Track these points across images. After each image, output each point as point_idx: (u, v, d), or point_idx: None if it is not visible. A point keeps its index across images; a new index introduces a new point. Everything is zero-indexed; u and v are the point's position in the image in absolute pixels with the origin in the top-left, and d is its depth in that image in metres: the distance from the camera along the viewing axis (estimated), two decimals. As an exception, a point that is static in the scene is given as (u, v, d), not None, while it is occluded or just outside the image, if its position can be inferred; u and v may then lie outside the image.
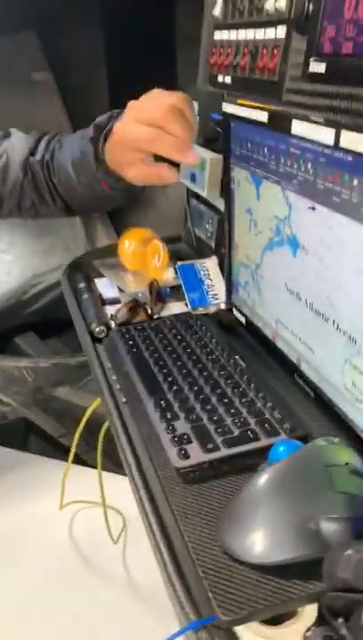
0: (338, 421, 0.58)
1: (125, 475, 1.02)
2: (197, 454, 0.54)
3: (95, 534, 0.97)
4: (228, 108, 0.70)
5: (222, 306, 0.87)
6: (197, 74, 1.75)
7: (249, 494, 0.47)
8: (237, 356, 0.70)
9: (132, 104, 0.66)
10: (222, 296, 0.87)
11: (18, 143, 0.81)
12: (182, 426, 0.58)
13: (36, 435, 1.47)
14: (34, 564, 0.95)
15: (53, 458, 1.36)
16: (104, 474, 1.08)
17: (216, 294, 0.89)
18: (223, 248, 0.92)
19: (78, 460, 1.33)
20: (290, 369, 0.68)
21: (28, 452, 1.36)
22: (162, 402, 0.62)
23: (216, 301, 0.88)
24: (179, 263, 0.94)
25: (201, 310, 0.87)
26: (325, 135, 0.52)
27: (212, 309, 0.87)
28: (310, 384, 0.63)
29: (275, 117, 0.61)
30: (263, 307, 0.73)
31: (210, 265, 0.94)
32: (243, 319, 0.79)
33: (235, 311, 0.82)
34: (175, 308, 0.90)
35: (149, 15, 1.67)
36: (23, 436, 1.46)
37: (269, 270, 0.69)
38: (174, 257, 0.99)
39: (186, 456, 0.54)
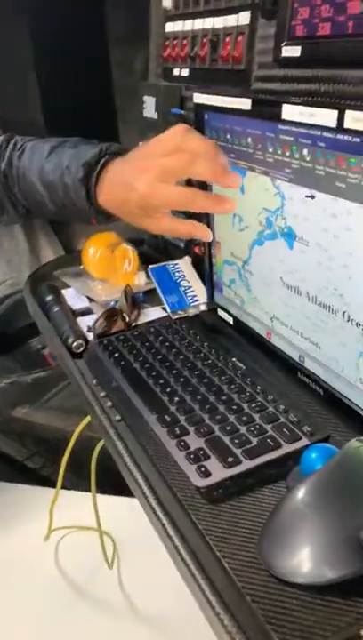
0: (355, 418, 0.55)
1: (108, 494, 0.97)
2: (218, 470, 0.50)
3: (86, 561, 0.91)
4: (200, 98, 0.66)
5: (203, 307, 0.83)
6: (133, 71, 1.70)
7: (291, 509, 0.43)
8: (234, 359, 0.66)
9: (142, 155, 0.57)
10: (202, 297, 0.83)
11: None
12: (195, 441, 0.54)
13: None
14: (23, 600, 0.87)
15: (20, 482, 1.28)
16: (77, 495, 1.02)
17: (195, 295, 0.85)
18: (198, 247, 0.89)
19: (44, 482, 1.26)
20: (291, 367, 0.64)
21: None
22: (166, 416, 0.58)
23: (196, 303, 0.84)
24: (151, 266, 0.90)
25: (181, 314, 0.82)
26: (324, 117, 0.49)
27: (192, 312, 0.83)
28: (317, 382, 0.60)
29: (260, 103, 0.57)
30: (255, 304, 0.69)
31: (184, 266, 0.90)
32: (230, 319, 0.76)
33: (220, 311, 0.78)
34: (152, 313, 0.85)
35: (77, 16, 1.62)
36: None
37: (259, 266, 0.66)
38: (141, 260, 0.94)
39: (206, 474, 0.50)
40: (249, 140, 0.61)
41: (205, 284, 0.83)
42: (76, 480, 1.13)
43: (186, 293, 0.85)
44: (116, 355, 0.70)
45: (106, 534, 0.90)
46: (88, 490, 0.88)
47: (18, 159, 0.70)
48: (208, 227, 0.72)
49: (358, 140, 0.46)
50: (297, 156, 0.54)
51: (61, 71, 1.67)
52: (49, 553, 0.96)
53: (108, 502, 0.93)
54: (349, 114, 0.46)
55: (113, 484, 0.84)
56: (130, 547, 0.93)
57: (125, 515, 0.94)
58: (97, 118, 1.75)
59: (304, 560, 0.40)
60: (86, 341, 0.76)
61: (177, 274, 0.88)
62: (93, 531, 0.88)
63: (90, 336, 0.78)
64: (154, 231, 0.59)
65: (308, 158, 0.53)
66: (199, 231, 0.57)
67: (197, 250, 0.89)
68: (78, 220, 0.73)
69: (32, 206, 0.72)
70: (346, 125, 0.47)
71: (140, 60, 1.62)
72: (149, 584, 0.86)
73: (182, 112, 0.89)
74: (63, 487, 1.07)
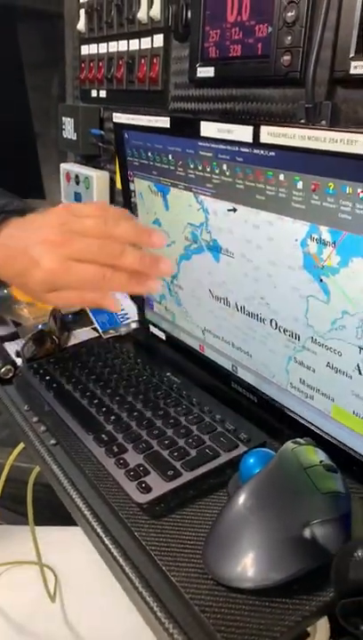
0: (288, 421, 0.57)
1: (50, 526, 0.93)
2: (158, 484, 0.50)
3: (28, 597, 0.86)
4: (120, 118, 0.67)
5: (135, 325, 0.83)
6: (50, 96, 1.70)
7: (233, 516, 0.43)
8: (168, 373, 0.67)
9: (54, 224, 0.48)
10: (133, 315, 0.83)
11: None
12: (134, 457, 0.53)
13: None
14: None
15: None
16: (20, 528, 0.97)
17: (126, 313, 0.84)
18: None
19: None
20: (225, 378, 0.66)
21: None
22: (103, 435, 0.57)
23: (127, 321, 0.83)
24: (79, 287, 0.89)
25: (113, 332, 0.82)
26: (241, 133, 0.51)
27: (124, 330, 0.83)
28: (250, 389, 0.62)
29: (179, 122, 0.59)
30: (186, 318, 0.70)
31: (112, 285, 0.89)
32: (163, 335, 0.76)
33: (152, 328, 0.78)
34: (83, 334, 0.84)
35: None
36: None
37: (188, 280, 0.67)
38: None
39: (147, 489, 0.49)
40: (170, 157, 0.62)
41: (134, 302, 0.83)
42: (11, 514, 1.08)
43: (116, 312, 0.85)
44: (48, 378, 0.68)
45: (47, 567, 0.87)
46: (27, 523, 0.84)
47: None
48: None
49: (273, 153, 0.48)
50: (217, 171, 0.56)
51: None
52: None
53: (48, 534, 0.90)
54: (264, 129, 0.48)
55: (54, 515, 0.81)
56: (73, 578, 0.90)
57: (68, 546, 0.91)
58: (16, 143, 1.73)
59: (249, 565, 0.41)
60: (15, 366, 0.74)
61: (106, 293, 0.88)
62: (33, 564, 0.85)
63: (19, 361, 0.76)
64: (56, 306, 0.51)
65: (228, 173, 0.55)
66: (109, 303, 0.49)
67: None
68: None
69: None
70: (262, 140, 0.49)
71: (55, 84, 1.62)
72: (94, 613, 0.83)
73: (102, 132, 0.90)
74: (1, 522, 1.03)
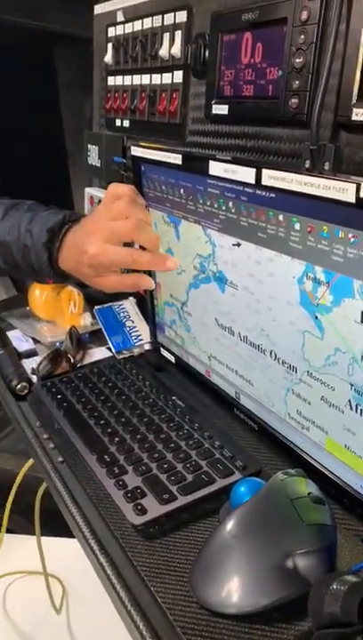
0: (286, 451, 0.59)
1: (52, 536, 0.96)
2: (153, 507, 0.52)
3: (35, 607, 0.89)
4: (136, 151, 0.71)
5: (147, 346, 0.86)
6: (82, 116, 1.75)
7: (219, 542, 0.45)
8: (173, 397, 0.69)
9: (92, 220, 0.62)
10: (146, 337, 0.86)
11: None
12: (133, 479, 0.56)
13: None
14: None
15: None
16: (25, 538, 1.00)
17: (140, 335, 0.87)
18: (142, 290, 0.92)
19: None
20: (228, 404, 0.68)
21: None
22: (106, 456, 0.59)
23: (140, 342, 0.86)
24: (97, 307, 0.92)
25: (126, 353, 0.85)
26: (245, 174, 0.53)
27: (137, 351, 0.85)
28: (251, 417, 0.63)
29: (190, 159, 0.62)
30: (194, 344, 0.72)
31: (128, 306, 0.93)
32: (172, 358, 0.79)
33: (163, 350, 0.81)
34: (98, 353, 0.87)
35: (27, 58, 1.67)
36: None
37: (196, 307, 0.70)
38: (86, 301, 0.96)
39: (143, 511, 0.51)
40: (181, 191, 0.65)
41: (148, 324, 0.86)
42: (27, 524, 1.11)
43: (131, 333, 0.88)
44: (60, 397, 0.72)
45: (54, 578, 0.89)
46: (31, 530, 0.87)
47: None
48: (150, 270, 0.76)
49: (273, 195, 0.51)
50: (224, 207, 0.58)
51: (13, 115, 1.71)
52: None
53: (57, 545, 0.93)
54: (265, 172, 0.51)
55: (62, 525, 0.84)
56: (80, 590, 0.92)
57: (75, 557, 0.93)
58: (49, 160, 1.79)
59: (232, 590, 0.43)
60: (30, 383, 0.77)
61: (122, 314, 0.91)
62: (40, 575, 0.88)
63: (34, 378, 0.79)
64: (105, 289, 0.63)
65: (233, 210, 0.57)
66: (143, 282, 0.61)
67: (141, 291, 0.92)
68: (31, 278, 0.79)
69: None
70: (263, 182, 0.51)
71: (88, 106, 1.68)
72: (98, 627, 0.85)
73: (124, 160, 0.93)
74: (12, 531, 1.06)
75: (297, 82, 0.58)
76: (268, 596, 0.42)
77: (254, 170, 0.52)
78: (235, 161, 0.55)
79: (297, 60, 0.58)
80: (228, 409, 0.68)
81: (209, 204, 0.61)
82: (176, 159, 0.63)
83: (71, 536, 0.67)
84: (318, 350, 0.51)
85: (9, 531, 1.13)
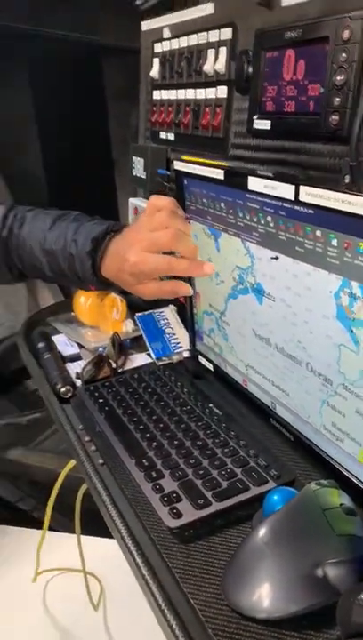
0: (320, 462, 0.59)
1: (97, 536, 0.99)
2: (189, 512, 0.54)
3: (73, 603, 0.92)
4: (179, 165, 0.73)
5: (186, 354, 0.88)
6: (128, 125, 1.79)
7: (251, 548, 0.47)
8: (211, 405, 0.71)
9: (134, 230, 0.65)
10: (186, 344, 0.88)
11: None
12: (169, 484, 0.58)
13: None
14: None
15: (12, 524, 1.30)
16: (66, 536, 1.03)
17: (179, 342, 0.89)
18: (181, 297, 0.94)
19: (35, 524, 1.27)
20: (264, 413, 0.69)
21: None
22: (144, 461, 0.62)
23: (180, 350, 0.88)
24: (138, 314, 0.95)
25: (165, 360, 0.87)
26: (284, 190, 0.55)
27: (176, 358, 0.88)
28: (287, 427, 0.65)
29: (231, 175, 0.63)
30: (232, 353, 0.74)
31: (168, 314, 0.95)
32: (210, 366, 0.80)
33: (201, 358, 0.83)
34: (138, 359, 0.90)
35: (77, 70, 1.72)
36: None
37: (234, 317, 0.71)
38: (128, 308, 0.99)
39: (178, 515, 0.53)
40: (222, 205, 0.67)
41: (187, 332, 0.88)
42: (68, 522, 1.15)
43: (170, 340, 0.90)
44: (101, 401, 0.74)
45: (92, 576, 0.92)
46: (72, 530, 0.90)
47: (19, 228, 0.75)
48: (189, 279, 0.78)
49: (311, 211, 0.52)
50: (263, 221, 0.60)
51: (61, 124, 1.76)
52: (37, 595, 0.98)
53: (96, 544, 0.96)
54: (303, 189, 0.52)
55: (102, 525, 0.87)
56: (117, 588, 0.95)
57: (113, 556, 0.96)
58: (96, 169, 1.84)
59: (263, 596, 0.44)
60: (74, 387, 0.80)
61: (162, 321, 0.94)
62: (79, 572, 0.91)
63: (78, 382, 0.82)
64: (145, 296, 0.65)
65: (272, 224, 0.59)
66: (182, 289, 0.63)
67: (181, 299, 0.94)
68: (75, 285, 0.81)
69: (28, 270, 0.77)
70: (301, 198, 0.52)
71: (134, 115, 1.72)
72: (135, 626, 0.88)
73: (168, 173, 0.96)
74: (53, 529, 1.09)
75: (338, 99, 0.59)
76: (297, 604, 0.43)
77: (293, 187, 0.53)
78: (275, 177, 0.56)
79: (338, 78, 0.59)
80: (264, 418, 0.69)
81: (249, 217, 0.62)
82: (218, 174, 0.65)
83: (110, 536, 0.70)
84: (354, 364, 0.52)
85: (50, 528, 1.17)
